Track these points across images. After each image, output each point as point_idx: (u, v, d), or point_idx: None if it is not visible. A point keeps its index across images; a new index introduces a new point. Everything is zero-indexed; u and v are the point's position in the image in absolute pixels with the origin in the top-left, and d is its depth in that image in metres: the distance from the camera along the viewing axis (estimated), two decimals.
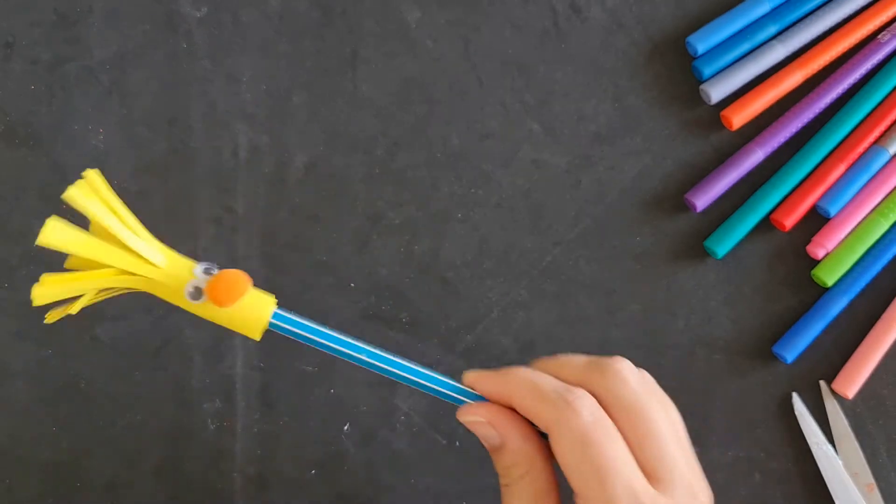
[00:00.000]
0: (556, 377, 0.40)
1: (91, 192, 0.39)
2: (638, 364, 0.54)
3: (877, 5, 0.56)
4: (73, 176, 0.53)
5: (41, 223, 0.53)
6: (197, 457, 0.53)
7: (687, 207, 0.55)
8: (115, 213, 0.39)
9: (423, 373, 0.41)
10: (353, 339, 0.41)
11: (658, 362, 0.54)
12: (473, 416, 0.41)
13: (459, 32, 0.55)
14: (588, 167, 0.55)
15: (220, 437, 0.53)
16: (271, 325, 0.40)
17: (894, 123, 0.55)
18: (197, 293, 0.39)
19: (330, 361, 0.53)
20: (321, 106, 0.55)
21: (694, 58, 0.56)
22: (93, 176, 0.39)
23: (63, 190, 0.53)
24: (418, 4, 0.55)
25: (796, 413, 0.54)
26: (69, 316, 0.53)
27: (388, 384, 0.53)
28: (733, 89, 0.55)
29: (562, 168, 0.55)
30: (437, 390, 0.41)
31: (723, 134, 0.55)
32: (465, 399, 0.41)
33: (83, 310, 0.54)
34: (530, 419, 0.40)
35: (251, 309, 0.39)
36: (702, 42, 0.55)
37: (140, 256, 0.39)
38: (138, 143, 0.54)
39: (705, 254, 0.55)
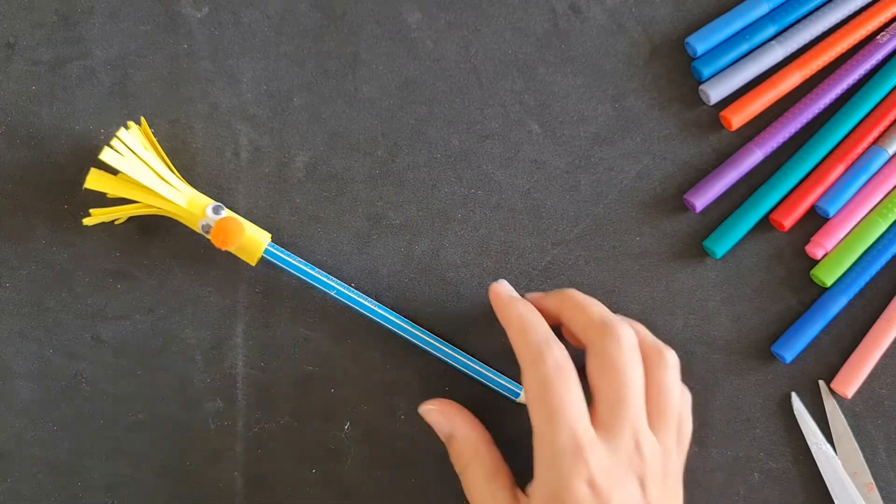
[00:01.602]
0: (574, 317, 0.48)
1: (124, 152, 0.50)
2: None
3: (875, 6, 0.56)
4: (74, 176, 0.53)
5: (42, 223, 0.54)
6: (198, 456, 0.53)
7: (686, 207, 0.55)
8: (144, 163, 0.50)
9: (373, 308, 0.52)
10: (326, 277, 0.52)
11: None
12: (429, 406, 0.50)
13: (460, 34, 0.55)
14: (588, 168, 0.55)
15: (221, 437, 0.53)
16: (265, 258, 0.51)
17: (893, 123, 0.55)
18: (207, 229, 0.50)
19: (330, 361, 0.53)
20: (322, 107, 0.55)
21: (693, 58, 0.56)
22: (128, 134, 0.50)
23: (62, 189, 0.54)
24: (418, 6, 0.55)
25: (795, 413, 0.54)
26: (71, 316, 0.54)
27: (388, 384, 0.53)
28: (732, 90, 0.55)
29: (561, 168, 0.55)
30: (386, 317, 0.52)
31: (722, 134, 0.56)
32: (400, 323, 0.52)
33: (85, 310, 0.54)
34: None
35: (249, 245, 0.51)
36: (701, 43, 0.55)
37: (164, 199, 0.50)
38: None
39: (704, 254, 0.55)
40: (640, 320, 0.54)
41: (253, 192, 0.54)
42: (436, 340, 0.52)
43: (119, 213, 0.51)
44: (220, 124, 0.54)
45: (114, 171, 0.51)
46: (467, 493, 0.48)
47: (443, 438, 0.50)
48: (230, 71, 0.55)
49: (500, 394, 0.52)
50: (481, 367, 0.52)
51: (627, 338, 0.46)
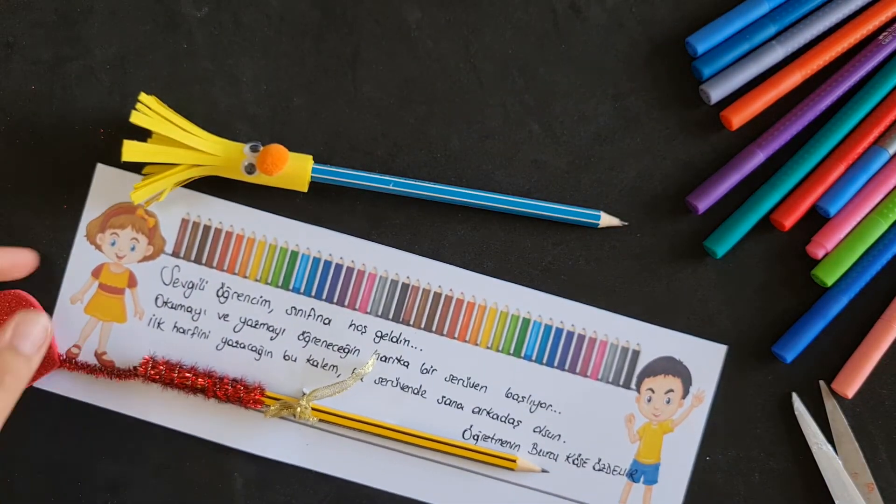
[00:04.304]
0: None
1: (150, 112, 0.50)
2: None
3: (876, 6, 0.56)
4: (74, 176, 0.53)
5: (42, 223, 0.54)
6: (197, 456, 0.53)
7: (687, 207, 0.55)
8: (172, 123, 0.51)
9: (436, 187, 0.53)
10: (379, 174, 0.52)
11: None
12: None
13: (460, 33, 0.55)
14: (588, 167, 0.55)
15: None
16: (313, 178, 0.52)
17: (894, 123, 0.55)
18: (251, 168, 0.51)
19: None
20: (322, 106, 0.55)
21: (694, 58, 0.56)
22: (147, 99, 0.51)
23: (62, 189, 0.54)
24: (418, 5, 0.55)
25: (796, 413, 0.54)
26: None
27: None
28: (733, 90, 0.55)
29: (562, 168, 0.55)
30: (453, 191, 0.53)
31: (722, 134, 0.55)
32: (466, 191, 0.53)
33: None
34: None
35: (295, 170, 0.51)
36: (701, 42, 0.55)
37: (201, 152, 0.50)
38: None
39: (705, 254, 0.55)
40: (640, 320, 0.54)
41: (253, 193, 0.54)
42: (500, 195, 0.53)
43: (162, 182, 0.51)
44: (220, 124, 0.54)
45: (143, 138, 0.51)
46: None
47: None
48: (230, 71, 0.55)
49: (581, 223, 0.53)
50: (553, 204, 0.53)
51: None
